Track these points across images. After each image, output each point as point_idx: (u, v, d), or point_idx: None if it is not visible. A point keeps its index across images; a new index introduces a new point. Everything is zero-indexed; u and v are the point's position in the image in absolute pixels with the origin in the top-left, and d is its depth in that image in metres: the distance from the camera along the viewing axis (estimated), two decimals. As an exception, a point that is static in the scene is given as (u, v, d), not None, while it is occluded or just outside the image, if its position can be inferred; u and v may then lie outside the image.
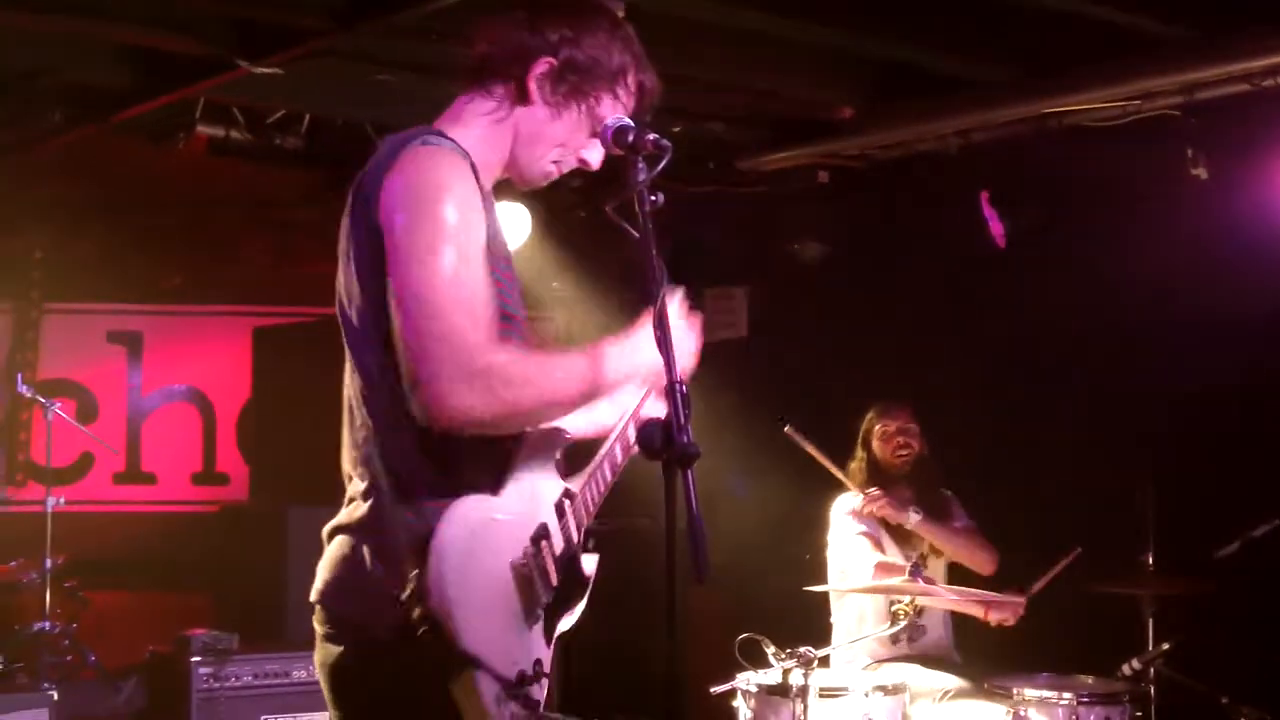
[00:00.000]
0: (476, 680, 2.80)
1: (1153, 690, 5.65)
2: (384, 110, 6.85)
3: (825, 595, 6.03)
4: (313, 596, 3.01)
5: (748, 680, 5.25)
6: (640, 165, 2.94)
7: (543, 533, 3.03)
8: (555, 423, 3.14)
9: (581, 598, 3.15)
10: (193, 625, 6.18)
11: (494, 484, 2.98)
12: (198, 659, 5.88)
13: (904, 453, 6.19)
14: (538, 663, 2.98)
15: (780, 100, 6.84)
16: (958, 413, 6.70)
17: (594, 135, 3.09)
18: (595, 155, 3.13)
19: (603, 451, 3.23)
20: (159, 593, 7.96)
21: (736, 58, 6.16)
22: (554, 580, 3.04)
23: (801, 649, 5.03)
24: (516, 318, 3.06)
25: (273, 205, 8.29)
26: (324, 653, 2.99)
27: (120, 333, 8.58)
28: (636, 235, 2.85)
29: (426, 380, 2.77)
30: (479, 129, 3.09)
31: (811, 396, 7.34)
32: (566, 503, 3.14)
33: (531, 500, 3.05)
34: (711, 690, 5.25)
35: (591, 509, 3.19)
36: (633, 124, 3.04)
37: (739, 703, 5.30)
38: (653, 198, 2.91)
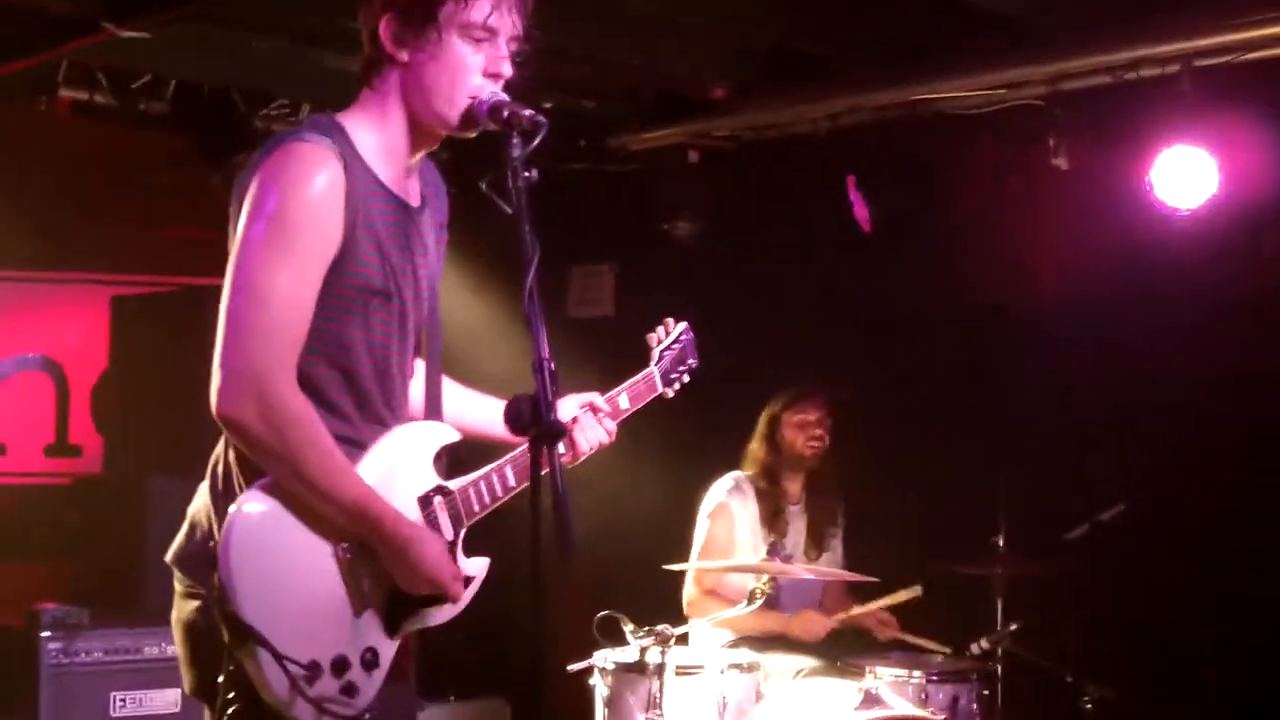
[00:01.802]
0: (256, 653, 2.85)
1: (1000, 669, 5.77)
2: (252, 77, 6.76)
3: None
4: (168, 557, 3.12)
5: (605, 658, 5.27)
6: (515, 140, 2.96)
7: None
8: (441, 421, 3.26)
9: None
10: (44, 599, 6.04)
11: (357, 453, 3.04)
12: (47, 634, 5.75)
13: (815, 445, 6.20)
14: (369, 651, 3.02)
15: (653, 78, 6.85)
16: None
17: (481, 41, 3.06)
18: (502, 64, 3.09)
19: (497, 464, 3.28)
20: (9, 566, 7.76)
21: (610, 34, 6.16)
22: None
23: (659, 627, 5.07)
24: (393, 296, 3.09)
25: (136, 171, 8.13)
26: (179, 609, 3.09)
27: (-28, 299, 8.37)
28: (510, 211, 2.88)
29: (217, 371, 2.90)
30: (375, 110, 3.13)
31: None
32: (438, 499, 3.16)
33: (387, 486, 3.06)
34: (569, 668, 5.26)
35: (475, 511, 3.21)
36: (507, 99, 3.05)
37: (596, 680, 5.32)
38: (526, 173, 2.92)
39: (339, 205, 2.97)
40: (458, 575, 3.10)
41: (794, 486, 6.23)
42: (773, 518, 6.11)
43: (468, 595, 3.19)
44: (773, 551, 5.47)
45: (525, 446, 3.12)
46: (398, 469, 3.13)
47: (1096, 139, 6.10)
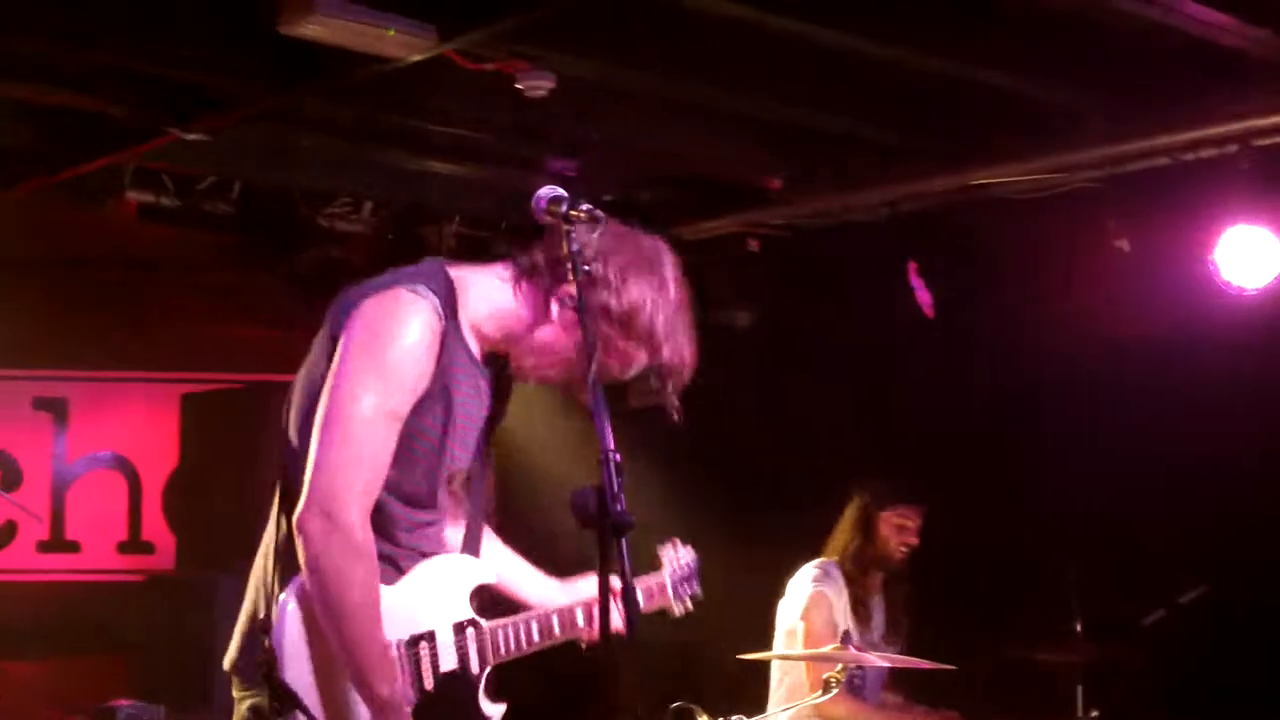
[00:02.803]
0: (295, 716, 3.00)
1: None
2: (315, 176, 6.86)
3: (768, 663, 6.01)
4: (225, 665, 3.30)
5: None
6: (574, 234, 2.99)
7: (424, 636, 3.21)
8: (480, 562, 3.41)
9: None
10: (117, 695, 6.08)
11: (394, 574, 3.19)
12: (122, 730, 5.79)
13: (907, 548, 6.16)
14: None
15: (709, 169, 6.90)
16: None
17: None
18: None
19: (537, 612, 3.49)
20: (83, 662, 7.81)
21: (665, 127, 6.21)
22: (427, 684, 3.19)
23: (734, 718, 5.02)
24: (445, 445, 3.22)
25: (202, 270, 8.24)
26: (236, 714, 3.25)
27: (46, 399, 8.49)
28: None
29: (305, 490, 3.04)
30: (497, 301, 3.26)
31: (736, 464, 7.36)
32: (470, 629, 3.29)
33: (423, 607, 3.23)
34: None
35: (502, 651, 3.35)
36: (566, 194, 3.08)
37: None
38: (586, 267, 2.95)
39: (433, 361, 3.11)
40: None
41: (876, 579, 6.18)
42: (859, 606, 6.05)
43: None
44: (845, 639, 5.42)
45: (558, 612, 3.48)
46: (432, 594, 3.27)
47: (1158, 220, 6.08)
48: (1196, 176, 5.75)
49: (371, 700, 3.04)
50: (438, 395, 3.14)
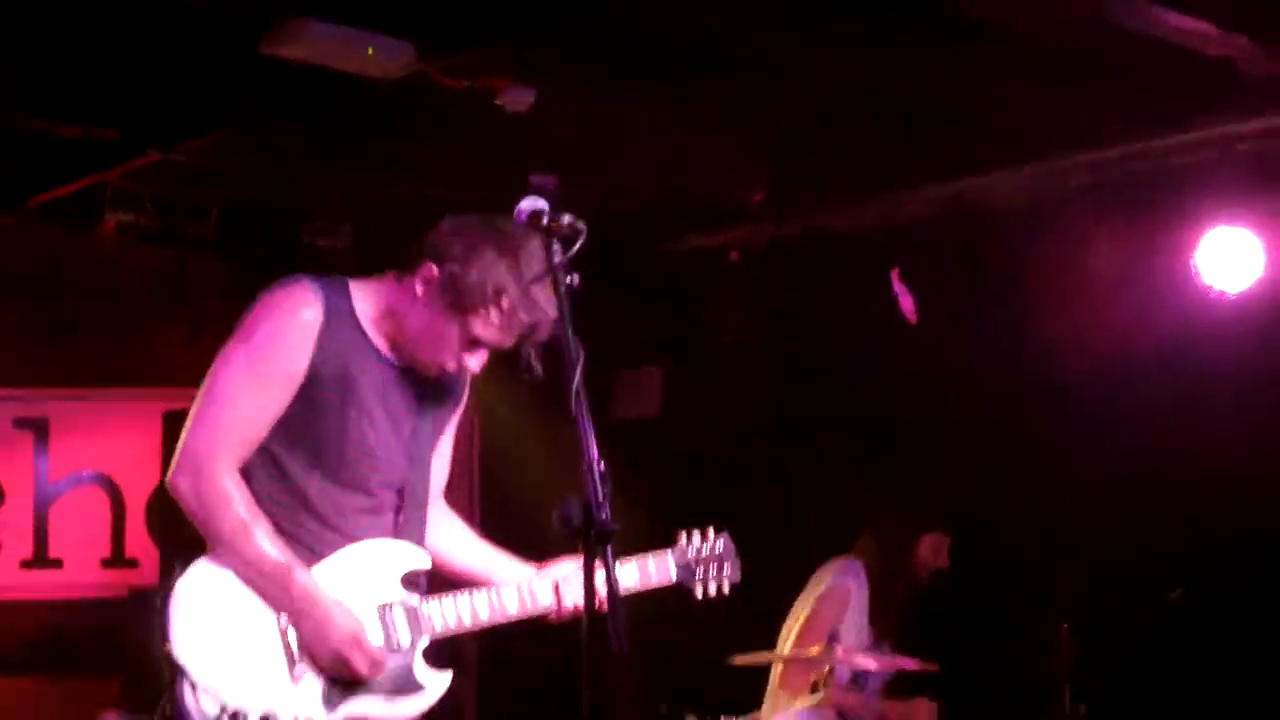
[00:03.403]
0: (182, 687, 3.32)
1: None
2: (295, 197, 6.86)
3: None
4: None
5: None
6: (555, 246, 3.00)
7: None
8: (413, 548, 3.55)
9: (408, 695, 3.47)
10: (105, 710, 6.07)
11: (310, 557, 3.40)
12: (109, 747, 5.77)
13: (935, 570, 6.17)
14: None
15: (692, 185, 6.89)
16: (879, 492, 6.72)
17: (474, 347, 3.42)
18: (475, 363, 3.47)
19: (485, 589, 3.60)
20: (68, 679, 7.78)
21: (647, 144, 6.21)
22: None
23: (722, 717, 5.04)
24: (350, 441, 3.43)
25: (183, 289, 8.23)
26: None
27: (27, 419, 8.45)
28: (553, 316, 2.94)
29: (175, 455, 3.39)
30: (384, 301, 3.49)
31: (725, 477, 7.36)
32: (396, 607, 3.47)
33: (345, 589, 3.40)
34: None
35: (436, 625, 3.51)
36: (547, 206, 3.08)
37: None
38: (568, 279, 2.96)
39: (309, 344, 3.36)
40: (359, 646, 3.35)
41: (901, 595, 6.16)
42: (879, 618, 6.04)
43: (425, 703, 3.50)
44: (832, 641, 5.43)
45: (522, 592, 3.60)
46: (357, 577, 3.44)
47: (1141, 223, 6.09)
48: (1179, 179, 5.76)
49: (294, 599, 3.32)
50: (333, 374, 3.38)
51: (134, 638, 7.12)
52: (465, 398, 3.72)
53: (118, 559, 8.42)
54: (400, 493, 3.53)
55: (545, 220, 3.04)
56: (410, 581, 3.53)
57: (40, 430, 8.46)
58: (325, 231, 7.16)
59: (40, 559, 8.35)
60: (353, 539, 3.46)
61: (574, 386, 2.84)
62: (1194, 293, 5.83)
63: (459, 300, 3.36)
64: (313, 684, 3.37)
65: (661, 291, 7.65)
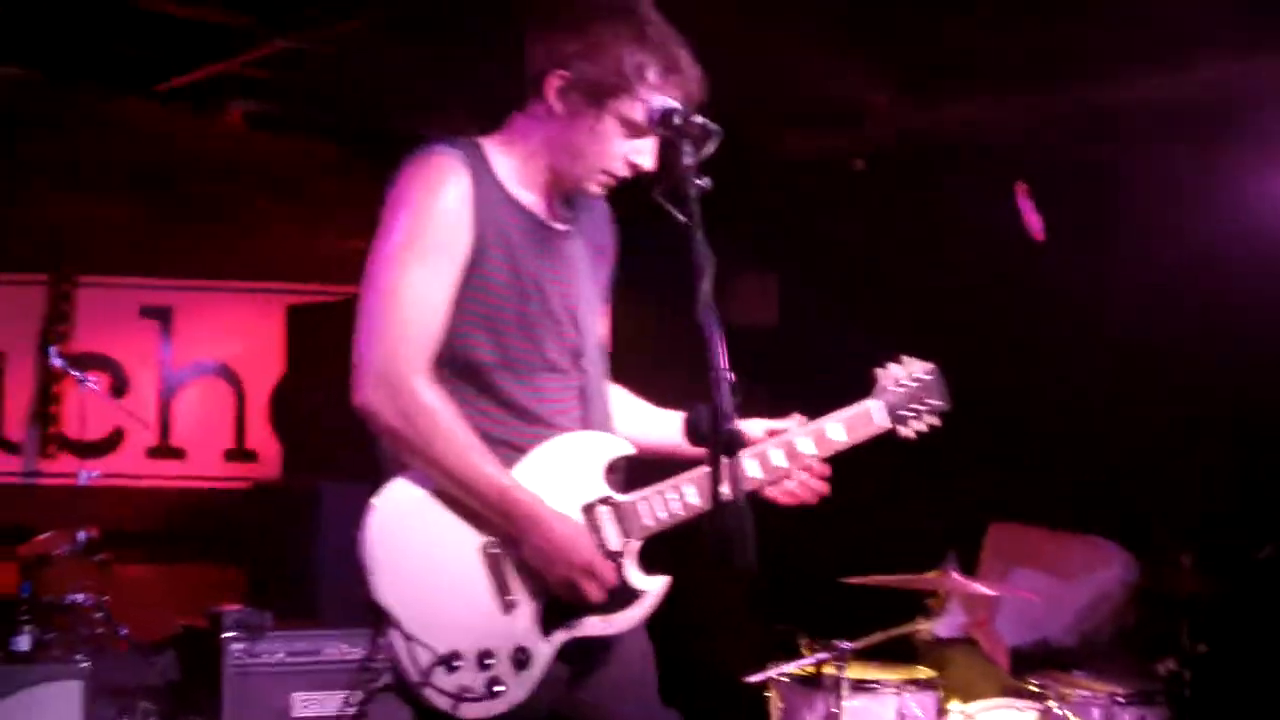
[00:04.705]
0: (391, 634, 2.97)
1: (1188, 691, 5.60)
2: (416, 87, 6.83)
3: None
4: None
5: (780, 671, 5.22)
6: (687, 149, 2.95)
7: None
8: (615, 433, 3.27)
9: (624, 608, 3.16)
10: (224, 601, 6.19)
11: (512, 455, 3.11)
12: (230, 634, 5.89)
13: None
14: (520, 650, 3.05)
15: (816, 86, 6.79)
16: (994, 400, 6.62)
17: (634, 136, 3.14)
18: (645, 158, 3.17)
19: (676, 479, 3.23)
20: (190, 567, 7.96)
21: (772, 45, 6.11)
22: None
23: (834, 641, 5.01)
24: (529, 306, 3.16)
25: (307, 180, 8.29)
26: None
27: (153, 307, 8.59)
28: (684, 220, 2.88)
29: (355, 365, 3.06)
30: (520, 144, 3.23)
31: (843, 385, 7.29)
32: (602, 507, 3.18)
33: (543, 489, 3.11)
34: (745, 679, 5.22)
35: (647, 525, 3.19)
36: (678, 107, 3.03)
37: (771, 694, 5.28)
38: (699, 181, 2.91)
39: (466, 212, 3.08)
40: (594, 570, 3.07)
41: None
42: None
43: (641, 612, 3.18)
44: (947, 565, 5.39)
45: (695, 480, 3.20)
46: (560, 474, 3.16)
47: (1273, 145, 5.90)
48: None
49: (517, 519, 3.03)
50: (495, 241, 3.12)
51: (257, 530, 7.31)
52: (615, 252, 3.47)
53: (240, 451, 8.57)
54: (580, 364, 3.27)
55: (677, 121, 2.99)
56: (612, 472, 3.23)
57: (164, 319, 8.61)
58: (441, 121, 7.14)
59: (164, 448, 8.53)
60: (549, 424, 3.17)
61: (703, 293, 2.76)
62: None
63: (600, 91, 3.10)
64: (526, 611, 3.09)
65: (781, 196, 7.56)
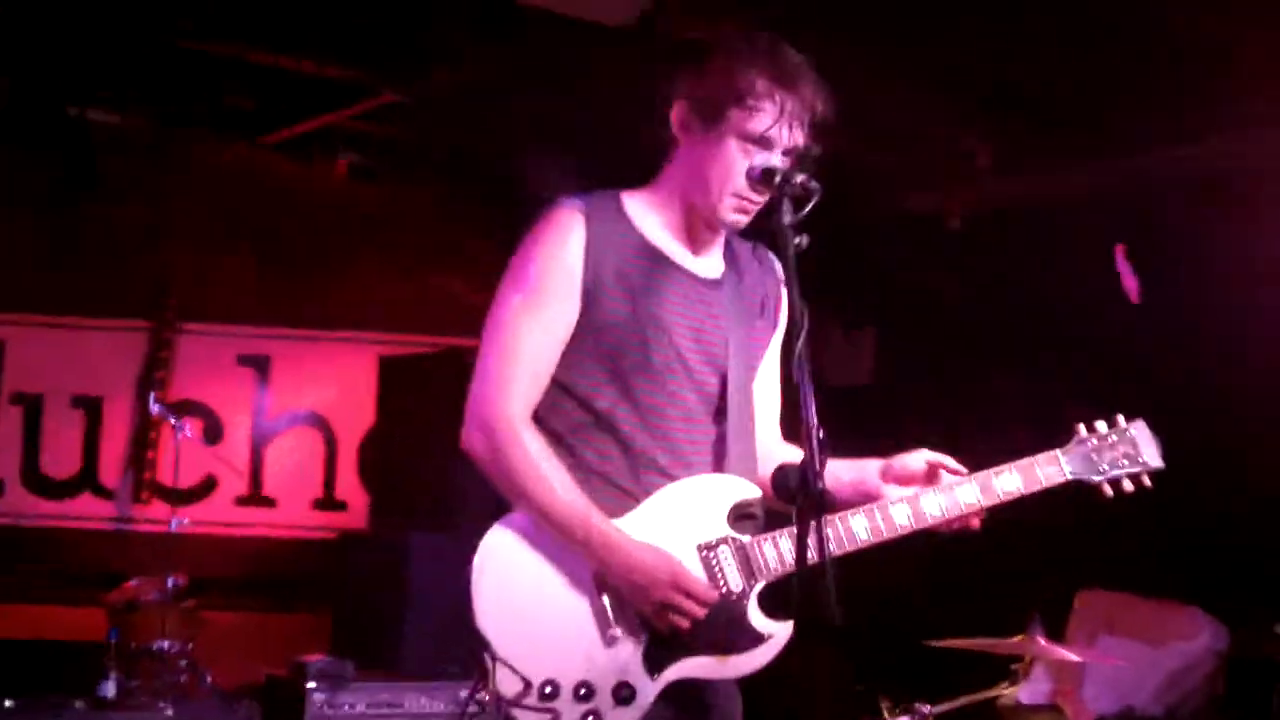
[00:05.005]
0: (489, 662, 2.97)
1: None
2: (520, 140, 6.86)
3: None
4: None
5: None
6: (786, 206, 2.93)
7: None
8: (733, 478, 3.17)
9: (743, 651, 3.07)
10: (308, 650, 6.20)
11: (615, 508, 3.08)
12: (313, 684, 5.89)
13: None
14: (623, 686, 3.01)
15: (914, 147, 6.76)
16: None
17: (757, 150, 3.08)
18: (774, 160, 3.08)
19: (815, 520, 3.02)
20: (276, 616, 8.00)
21: (874, 98, 6.08)
22: None
23: (916, 704, 4.93)
24: (688, 364, 3.14)
25: (405, 231, 8.36)
26: None
27: (250, 356, 8.67)
28: (781, 277, 2.86)
29: (466, 411, 3.12)
30: (661, 193, 3.24)
31: (935, 445, 7.21)
32: (723, 547, 3.11)
33: (659, 531, 3.07)
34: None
35: (772, 568, 3.08)
36: (779, 166, 3.03)
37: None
38: (797, 240, 2.89)
39: (578, 254, 3.09)
40: (683, 592, 3.00)
41: None
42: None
43: (763, 657, 3.07)
44: (1031, 628, 5.28)
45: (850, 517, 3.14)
46: (678, 518, 3.11)
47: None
48: None
49: (597, 548, 3.02)
50: (616, 281, 3.10)
51: (343, 580, 7.33)
52: (781, 319, 3.33)
53: (329, 500, 8.62)
54: (720, 411, 3.19)
55: (779, 179, 2.97)
56: (741, 516, 3.14)
57: (261, 368, 8.69)
58: (547, 173, 7.16)
59: (255, 496, 8.59)
60: (666, 472, 3.12)
61: (797, 349, 2.73)
62: None
63: (713, 108, 3.09)
64: (631, 644, 3.04)
65: (878, 255, 7.52)
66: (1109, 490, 3.33)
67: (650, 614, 3.02)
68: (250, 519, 8.54)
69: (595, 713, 2.98)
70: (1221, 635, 5.86)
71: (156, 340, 8.55)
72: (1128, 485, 3.34)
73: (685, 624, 3.01)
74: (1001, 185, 6.88)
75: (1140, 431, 3.38)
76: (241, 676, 6.65)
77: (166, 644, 6.68)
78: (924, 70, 5.70)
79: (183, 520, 7.11)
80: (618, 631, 3.03)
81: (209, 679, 6.92)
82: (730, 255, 3.29)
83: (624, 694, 3.01)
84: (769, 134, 3.08)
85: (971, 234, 7.25)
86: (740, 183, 3.10)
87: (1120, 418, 3.39)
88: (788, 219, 2.90)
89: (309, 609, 7.67)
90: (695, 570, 3.06)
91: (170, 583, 6.70)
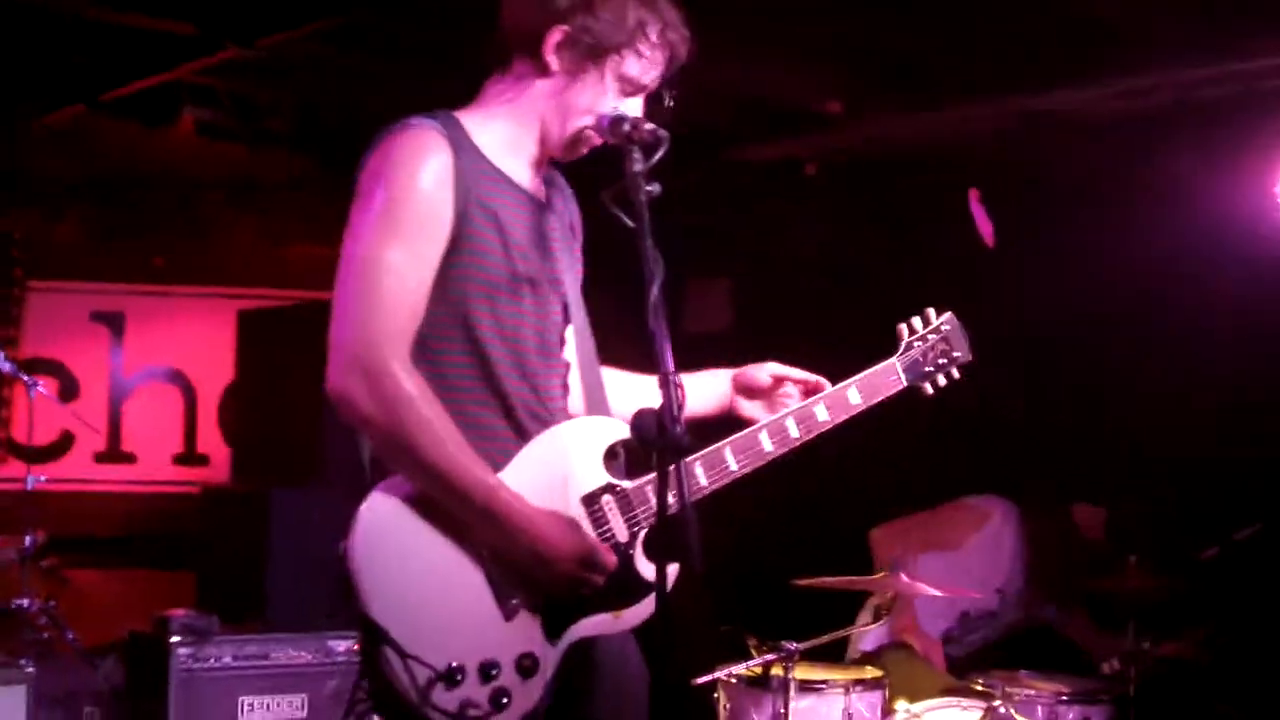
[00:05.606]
0: (386, 653, 2.76)
1: (1133, 689, 5.65)
2: (376, 97, 6.83)
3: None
4: None
5: (728, 672, 5.24)
6: (636, 155, 2.93)
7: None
8: (613, 415, 3.12)
9: (634, 602, 3.01)
10: (172, 605, 6.16)
11: (496, 457, 2.93)
12: (177, 639, 5.84)
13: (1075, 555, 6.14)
14: (526, 657, 2.88)
15: (770, 92, 6.83)
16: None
17: (629, 94, 3.08)
18: (632, 109, 3.07)
19: (698, 455, 3.10)
20: (138, 572, 7.93)
21: (726, 49, 6.13)
22: None
23: (783, 642, 5.01)
24: (520, 283, 3.01)
25: (259, 188, 8.27)
26: None
27: (103, 312, 8.56)
28: (631, 225, 2.84)
29: (329, 350, 2.84)
30: (502, 110, 3.10)
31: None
32: (606, 497, 3.04)
33: (541, 487, 2.96)
34: (692, 681, 5.23)
35: (655, 505, 2.95)
36: (628, 114, 3.04)
37: (719, 694, 5.30)
38: (649, 187, 2.89)
39: (447, 186, 2.92)
40: (593, 562, 2.91)
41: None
42: (1039, 576, 6.01)
43: (652, 606, 2.97)
44: (894, 569, 5.40)
45: (731, 445, 3.16)
46: (557, 467, 3.00)
47: (1221, 149, 5.97)
48: (1267, 106, 5.64)
49: (503, 522, 2.84)
50: (480, 213, 2.95)
51: (207, 535, 7.29)
52: (582, 231, 3.29)
53: (190, 455, 8.55)
54: (563, 341, 3.13)
55: (627, 127, 2.96)
56: (613, 458, 3.05)
57: (116, 324, 8.58)
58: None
59: (114, 453, 8.50)
60: (536, 399, 3.02)
61: (652, 298, 2.71)
62: (1272, 224, 5.71)
63: (598, 48, 3.00)
64: (529, 615, 2.91)
65: (733, 202, 7.59)
66: (929, 389, 3.47)
67: (555, 585, 2.90)
68: (110, 475, 8.45)
69: (503, 689, 2.84)
70: (1010, 510, 6.00)
71: (4, 298, 8.39)
72: (941, 380, 3.48)
73: (588, 591, 2.92)
74: (855, 131, 6.97)
75: (952, 325, 3.53)
76: (105, 634, 6.59)
77: (26, 602, 6.60)
78: (776, 20, 5.76)
79: (40, 478, 7.02)
80: (516, 602, 2.90)
81: (71, 636, 6.86)
82: (548, 179, 3.22)
83: (527, 664, 2.88)
84: (645, 81, 3.07)
85: (826, 181, 7.34)
86: (592, 121, 3.05)
87: (931, 311, 3.53)
88: (638, 166, 2.89)
89: (173, 565, 7.62)
90: (585, 526, 2.98)
91: (29, 540, 6.62)
